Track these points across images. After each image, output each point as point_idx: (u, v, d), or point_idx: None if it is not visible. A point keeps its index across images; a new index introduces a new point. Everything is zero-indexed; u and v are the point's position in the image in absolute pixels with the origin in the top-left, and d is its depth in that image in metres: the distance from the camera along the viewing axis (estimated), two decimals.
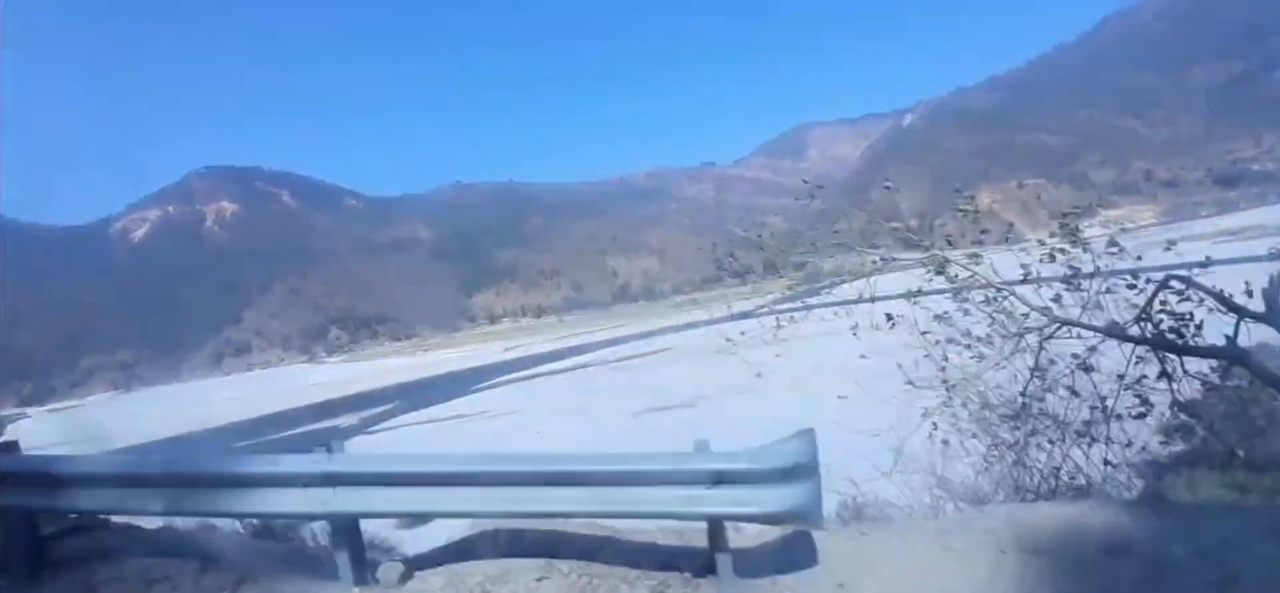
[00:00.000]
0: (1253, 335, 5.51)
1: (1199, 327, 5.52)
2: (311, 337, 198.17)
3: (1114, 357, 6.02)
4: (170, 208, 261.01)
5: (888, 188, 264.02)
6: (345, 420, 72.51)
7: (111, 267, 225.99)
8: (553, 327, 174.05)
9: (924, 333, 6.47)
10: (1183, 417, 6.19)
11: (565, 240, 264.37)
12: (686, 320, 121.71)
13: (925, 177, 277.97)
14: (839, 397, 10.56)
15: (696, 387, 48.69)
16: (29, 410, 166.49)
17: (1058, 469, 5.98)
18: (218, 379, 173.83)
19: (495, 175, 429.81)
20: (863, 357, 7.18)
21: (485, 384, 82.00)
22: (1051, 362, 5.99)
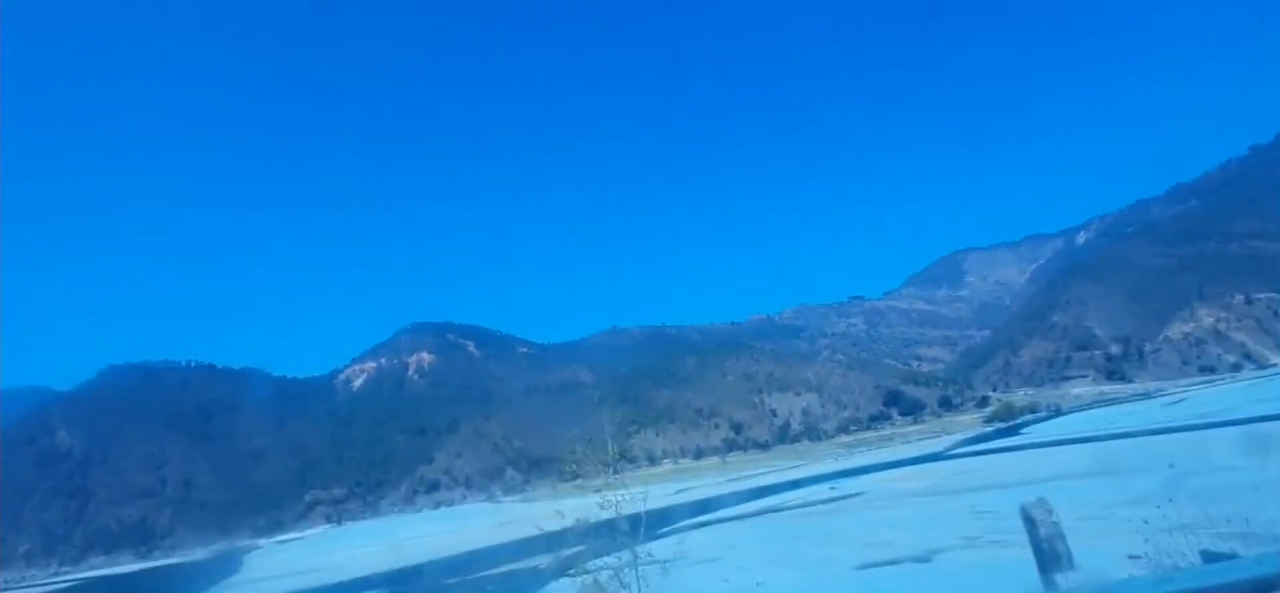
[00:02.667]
0: None
1: None
2: (490, 477, 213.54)
3: None
4: (382, 360, 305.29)
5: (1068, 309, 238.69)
6: (540, 562, 76.94)
7: (335, 412, 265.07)
8: (716, 468, 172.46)
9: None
10: None
11: (720, 380, 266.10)
12: (868, 461, 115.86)
13: (1116, 297, 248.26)
14: (1130, 556, 9.96)
15: (920, 537, 46.45)
16: (260, 542, 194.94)
17: None
18: (411, 515, 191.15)
19: (647, 319, 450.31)
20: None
21: (670, 528, 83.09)
22: None
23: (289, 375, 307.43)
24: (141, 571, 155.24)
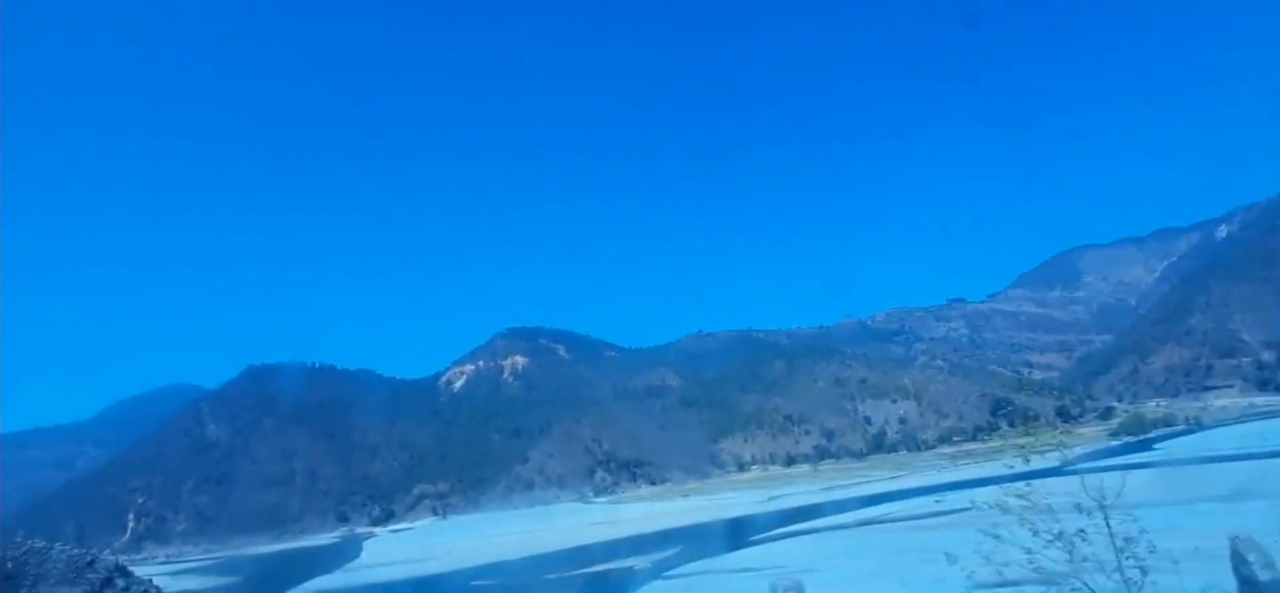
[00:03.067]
0: None
1: None
2: (581, 478, 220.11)
3: None
4: (480, 363, 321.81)
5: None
6: (636, 562, 78.85)
7: (438, 412, 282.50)
8: (808, 476, 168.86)
9: None
10: None
11: (810, 386, 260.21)
12: (976, 473, 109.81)
13: (1268, 297, 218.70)
14: None
15: (1045, 557, 44.30)
16: (375, 530, 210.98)
17: None
18: (509, 512, 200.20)
19: (733, 324, 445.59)
20: None
21: (764, 536, 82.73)
22: None
23: (397, 376, 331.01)
24: (278, 552, 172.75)
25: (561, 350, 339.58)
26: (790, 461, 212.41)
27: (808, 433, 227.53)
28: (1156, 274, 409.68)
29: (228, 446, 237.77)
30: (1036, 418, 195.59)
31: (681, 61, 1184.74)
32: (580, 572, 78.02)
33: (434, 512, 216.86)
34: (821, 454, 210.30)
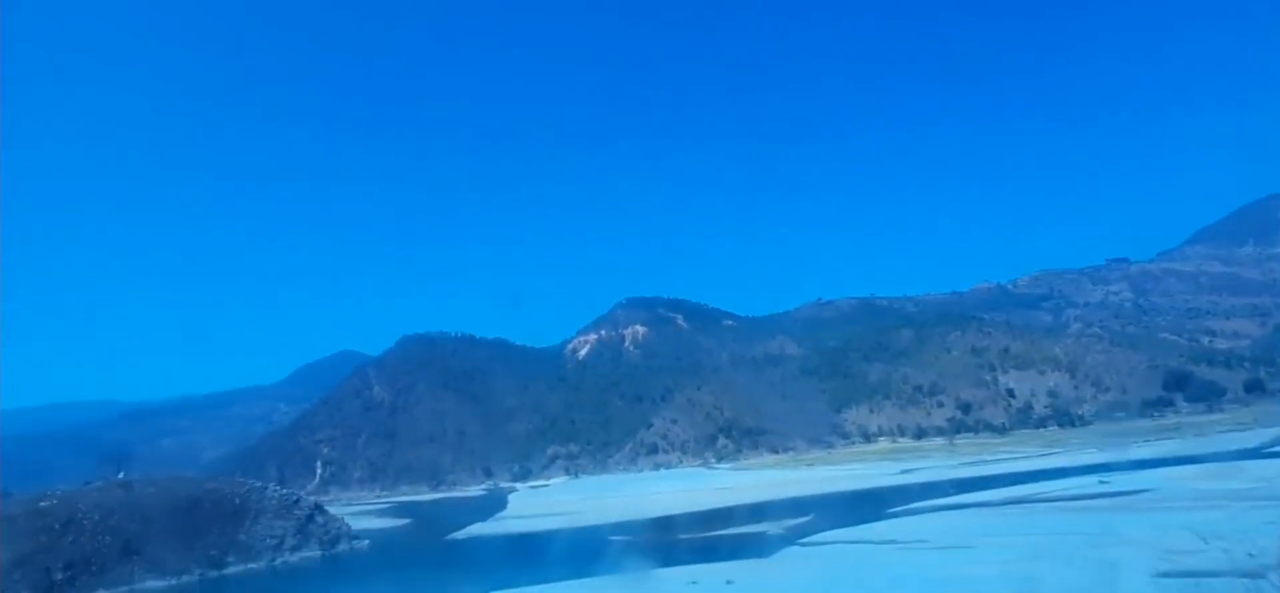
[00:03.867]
0: None
1: None
2: (703, 443, 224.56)
3: None
4: (603, 332, 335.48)
5: None
6: (770, 527, 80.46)
7: (565, 379, 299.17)
8: (943, 450, 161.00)
9: None
10: None
11: (942, 355, 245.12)
12: (1148, 454, 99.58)
13: None
14: None
15: (1241, 548, 40.64)
16: (516, 485, 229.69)
17: None
18: (634, 474, 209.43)
19: (854, 291, 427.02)
20: None
21: (901, 509, 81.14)
22: None
23: (527, 345, 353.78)
24: (437, 500, 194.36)
25: (680, 319, 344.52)
26: (920, 433, 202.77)
27: (940, 405, 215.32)
28: None
29: (391, 405, 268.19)
30: (1223, 393, 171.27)
31: (795, 18, 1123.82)
32: (714, 534, 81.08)
33: (566, 471, 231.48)
34: (957, 427, 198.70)
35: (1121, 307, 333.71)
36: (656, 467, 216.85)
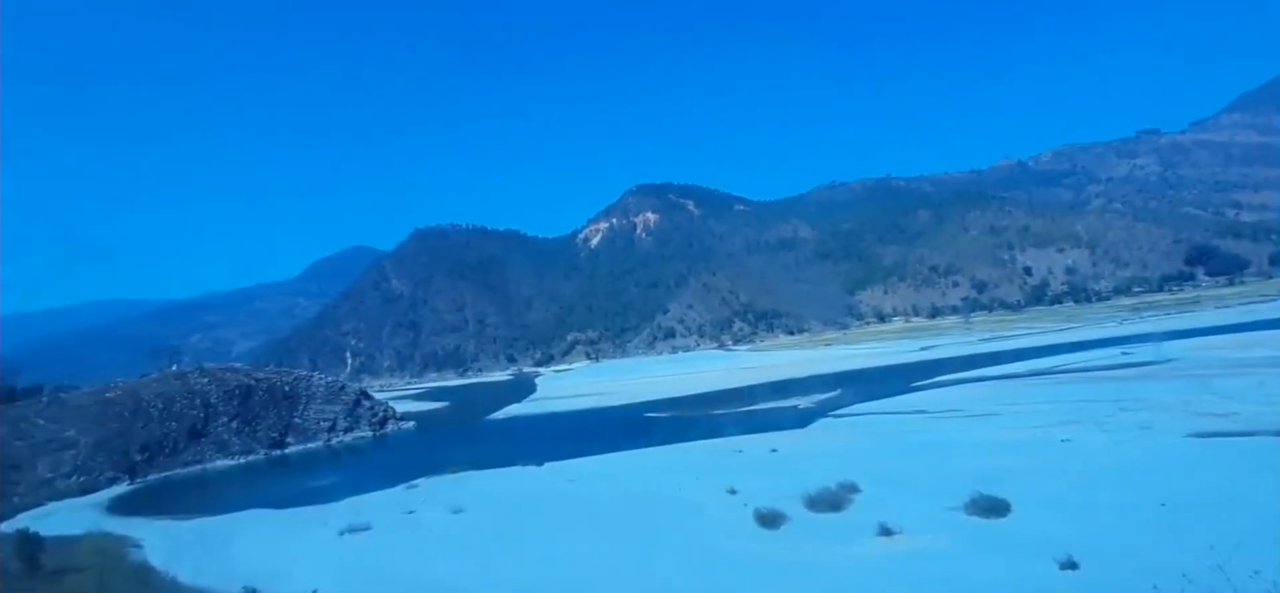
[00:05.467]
0: None
1: None
2: (720, 326, 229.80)
3: None
4: (614, 220, 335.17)
5: None
6: (800, 402, 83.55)
7: (579, 267, 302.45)
8: (959, 328, 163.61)
9: None
10: None
11: (959, 234, 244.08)
12: (1170, 326, 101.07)
13: None
14: None
15: (1266, 410, 42.00)
16: (540, 370, 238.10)
17: None
18: (654, 357, 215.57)
19: (869, 171, 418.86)
20: None
21: (925, 383, 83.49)
22: None
23: (540, 235, 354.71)
24: (466, 385, 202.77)
25: (691, 206, 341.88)
26: (935, 312, 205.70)
27: (955, 285, 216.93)
28: None
29: (411, 297, 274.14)
30: (1247, 265, 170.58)
31: None
32: (746, 409, 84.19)
33: (587, 356, 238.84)
34: (973, 306, 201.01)
35: (1147, 181, 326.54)
36: (675, 350, 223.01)
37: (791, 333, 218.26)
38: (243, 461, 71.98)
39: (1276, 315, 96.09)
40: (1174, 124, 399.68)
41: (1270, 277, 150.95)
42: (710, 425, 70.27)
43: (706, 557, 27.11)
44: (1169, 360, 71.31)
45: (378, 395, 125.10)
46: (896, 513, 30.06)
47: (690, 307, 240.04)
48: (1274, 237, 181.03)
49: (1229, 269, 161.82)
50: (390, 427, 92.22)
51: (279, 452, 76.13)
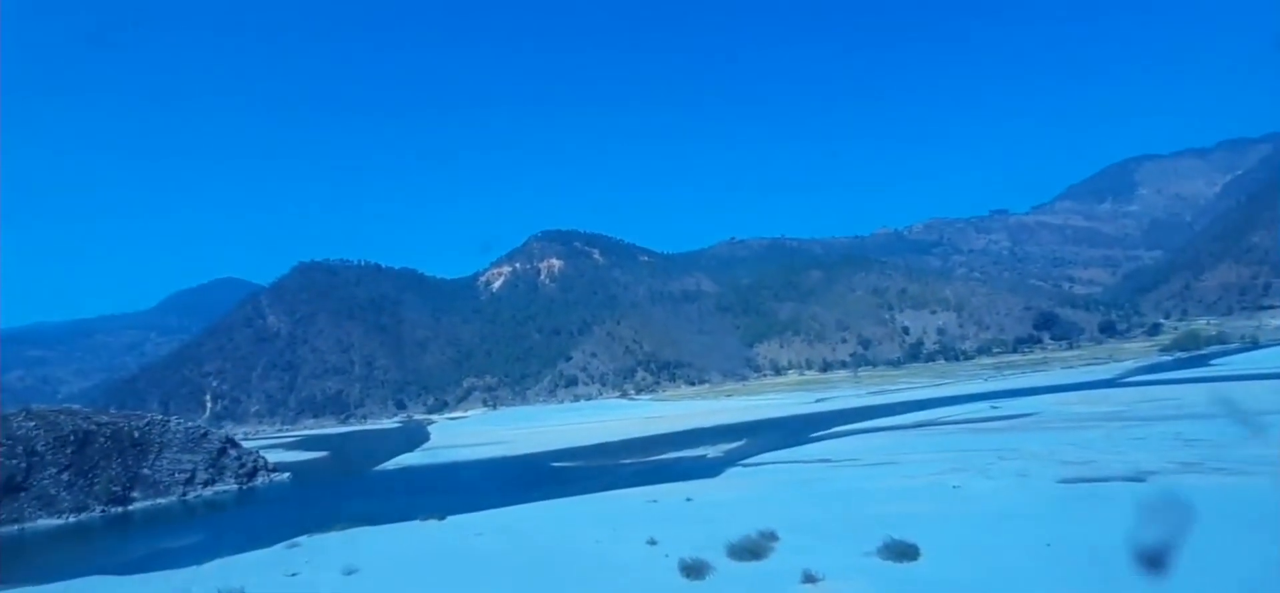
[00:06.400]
0: None
1: None
2: (622, 376, 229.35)
3: None
4: (517, 264, 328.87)
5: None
6: (709, 451, 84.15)
7: (480, 310, 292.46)
8: (849, 381, 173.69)
9: None
10: None
11: (847, 295, 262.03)
12: (1026, 383, 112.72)
13: None
14: None
15: (1123, 458, 47.08)
16: (433, 417, 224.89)
17: None
18: (556, 405, 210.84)
19: (766, 231, 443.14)
20: None
21: (824, 433, 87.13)
22: None
23: (438, 276, 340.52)
24: (349, 432, 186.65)
25: (596, 254, 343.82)
26: (826, 367, 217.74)
27: (844, 341, 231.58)
28: (1218, 188, 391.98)
29: (289, 336, 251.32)
30: (1082, 332, 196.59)
31: None
32: (655, 459, 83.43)
33: (484, 403, 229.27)
34: (859, 362, 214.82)
35: (1000, 254, 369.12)
36: (577, 398, 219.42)
37: (693, 383, 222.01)
38: (74, 519, 60.96)
39: (1110, 376, 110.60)
40: (1020, 206, 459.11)
41: (1101, 342, 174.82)
42: (621, 475, 68.67)
43: None
44: (1030, 415, 79.12)
45: (246, 444, 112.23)
46: (815, 560, 30.13)
47: (594, 355, 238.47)
48: (1101, 308, 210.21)
49: (1069, 335, 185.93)
50: (261, 479, 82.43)
51: (121, 509, 65.37)
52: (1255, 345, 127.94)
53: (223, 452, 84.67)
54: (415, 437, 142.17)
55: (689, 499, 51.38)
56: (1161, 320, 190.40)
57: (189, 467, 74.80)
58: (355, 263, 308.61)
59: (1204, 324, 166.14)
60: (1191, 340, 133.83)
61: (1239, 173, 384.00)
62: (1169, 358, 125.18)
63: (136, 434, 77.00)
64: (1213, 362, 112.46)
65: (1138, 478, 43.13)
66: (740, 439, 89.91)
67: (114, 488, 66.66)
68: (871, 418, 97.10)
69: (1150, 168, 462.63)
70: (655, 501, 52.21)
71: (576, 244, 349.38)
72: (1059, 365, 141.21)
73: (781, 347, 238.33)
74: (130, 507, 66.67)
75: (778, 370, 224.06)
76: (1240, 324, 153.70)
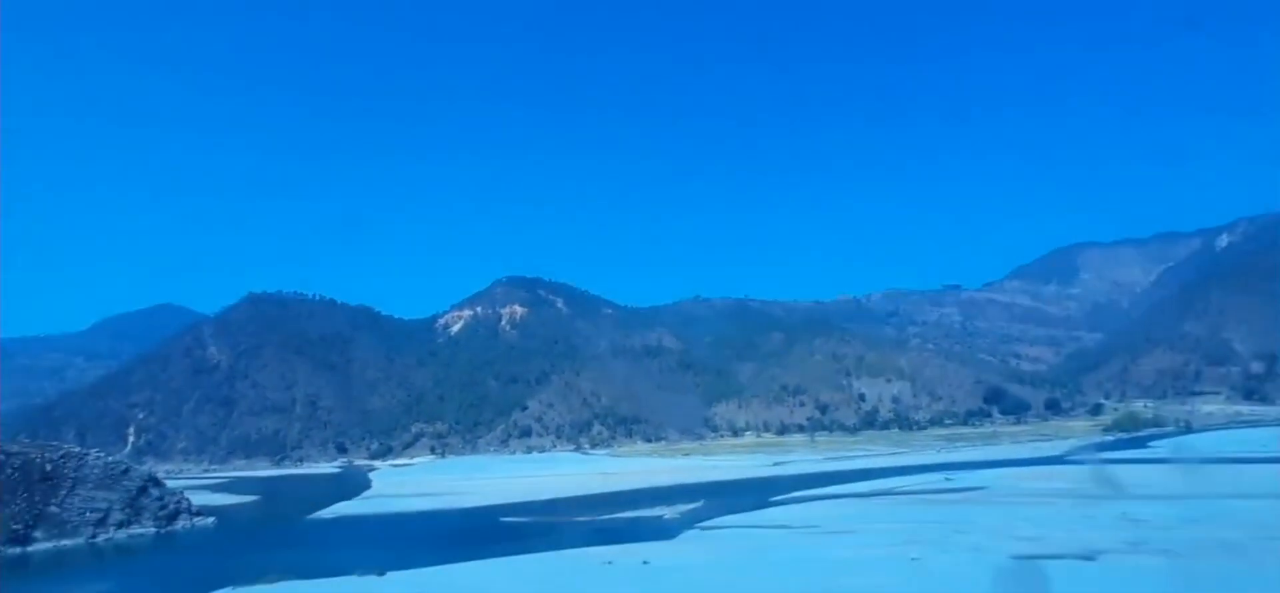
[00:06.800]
0: None
1: None
2: (578, 429, 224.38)
3: None
4: (479, 308, 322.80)
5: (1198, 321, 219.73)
6: (665, 512, 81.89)
7: (436, 353, 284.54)
8: (806, 445, 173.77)
9: None
10: None
11: (806, 359, 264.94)
12: (977, 456, 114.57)
13: (1263, 310, 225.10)
14: None
15: (1073, 536, 47.47)
16: (375, 463, 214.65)
17: None
18: (506, 456, 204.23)
19: (729, 291, 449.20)
20: None
21: (783, 498, 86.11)
22: None
23: (395, 315, 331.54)
24: (283, 476, 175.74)
25: (560, 303, 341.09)
26: (783, 429, 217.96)
27: (802, 404, 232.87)
28: (1154, 277, 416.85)
29: (229, 369, 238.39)
30: (1028, 408, 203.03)
31: (681, 31, 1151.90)
32: (610, 517, 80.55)
33: (432, 450, 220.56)
34: (815, 426, 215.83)
35: (953, 327, 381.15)
36: (529, 450, 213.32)
37: (650, 440, 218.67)
38: None
39: (1058, 452, 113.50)
40: (972, 282, 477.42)
41: (1047, 419, 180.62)
42: (575, 533, 65.82)
43: None
44: (982, 488, 79.94)
45: (171, 483, 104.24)
46: None
47: (551, 405, 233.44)
48: (1047, 385, 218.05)
49: (1016, 410, 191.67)
50: (182, 523, 76.15)
51: (20, 549, 58.98)
52: (1189, 429, 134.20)
53: (143, 491, 78.22)
54: (356, 484, 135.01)
55: (645, 562, 49.37)
56: (1103, 400, 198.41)
57: (103, 506, 68.63)
58: (309, 296, 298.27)
59: (1142, 406, 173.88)
60: (1130, 422, 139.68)
61: (1171, 264, 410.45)
62: (1111, 438, 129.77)
63: (48, 468, 70.57)
64: (1150, 444, 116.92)
65: (1087, 557, 43.80)
66: (698, 500, 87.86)
67: (15, 526, 60.40)
68: (829, 484, 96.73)
69: (1092, 253, 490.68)
70: (610, 562, 49.99)
71: (541, 291, 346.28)
72: (1008, 439, 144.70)
73: (739, 407, 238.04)
74: (30, 547, 60.31)
75: (735, 432, 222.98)
76: (1175, 408, 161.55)
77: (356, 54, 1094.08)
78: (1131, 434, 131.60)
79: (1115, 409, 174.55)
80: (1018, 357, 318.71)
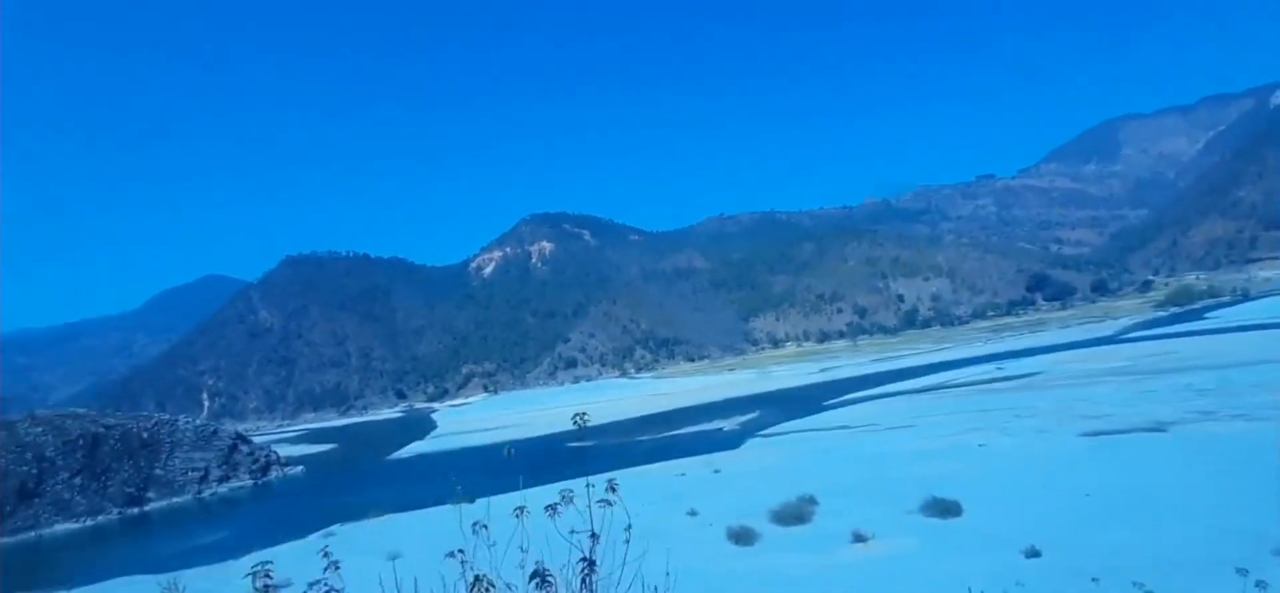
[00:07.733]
0: None
1: None
2: (621, 355, 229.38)
3: None
4: (508, 249, 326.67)
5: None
6: (723, 424, 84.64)
7: (473, 296, 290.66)
8: (849, 350, 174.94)
9: None
10: None
11: (840, 265, 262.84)
12: (1026, 344, 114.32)
13: None
14: None
15: (1139, 411, 47.93)
16: (434, 405, 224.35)
17: None
18: (556, 388, 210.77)
19: (755, 206, 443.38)
20: None
21: (836, 401, 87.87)
22: None
23: (428, 263, 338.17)
24: (353, 424, 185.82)
25: (586, 235, 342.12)
26: (824, 337, 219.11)
27: (840, 311, 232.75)
28: (1201, 145, 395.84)
29: (282, 331, 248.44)
30: (1074, 292, 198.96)
31: None
32: (672, 434, 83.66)
33: (485, 388, 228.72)
34: (856, 331, 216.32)
35: (988, 219, 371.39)
36: (577, 380, 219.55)
37: (692, 359, 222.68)
38: (91, 523, 60.40)
39: (1108, 333, 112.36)
40: (1006, 170, 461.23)
41: (1094, 301, 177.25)
42: (640, 451, 68.99)
43: (694, 580, 25.79)
44: (1037, 374, 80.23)
45: (254, 439, 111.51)
46: (860, 520, 30.75)
47: (591, 335, 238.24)
48: (1092, 267, 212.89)
49: (1062, 295, 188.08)
50: (275, 473, 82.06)
51: (137, 510, 64.82)
52: (1247, 297, 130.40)
53: (234, 448, 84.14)
54: (421, 426, 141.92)
55: (717, 471, 51.91)
56: (1151, 278, 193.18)
57: (202, 465, 74.25)
58: (344, 254, 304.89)
59: (1195, 279, 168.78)
60: (1184, 295, 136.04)
61: (1221, 129, 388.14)
62: (1164, 313, 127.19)
63: (145, 435, 76.23)
64: (1207, 315, 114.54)
65: (1158, 428, 44.13)
66: (753, 411, 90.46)
67: (128, 490, 66.08)
68: (880, 385, 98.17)
69: (1133, 128, 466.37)
70: (683, 473, 52.71)
71: (566, 226, 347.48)
72: (1056, 325, 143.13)
73: (778, 319, 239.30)
74: (147, 507, 66.15)
75: (775, 343, 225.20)
76: (1230, 278, 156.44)
77: (378, 13, 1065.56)
78: (1186, 308, 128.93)
79: (1166, 284, 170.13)
80: (1059, 242, 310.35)
